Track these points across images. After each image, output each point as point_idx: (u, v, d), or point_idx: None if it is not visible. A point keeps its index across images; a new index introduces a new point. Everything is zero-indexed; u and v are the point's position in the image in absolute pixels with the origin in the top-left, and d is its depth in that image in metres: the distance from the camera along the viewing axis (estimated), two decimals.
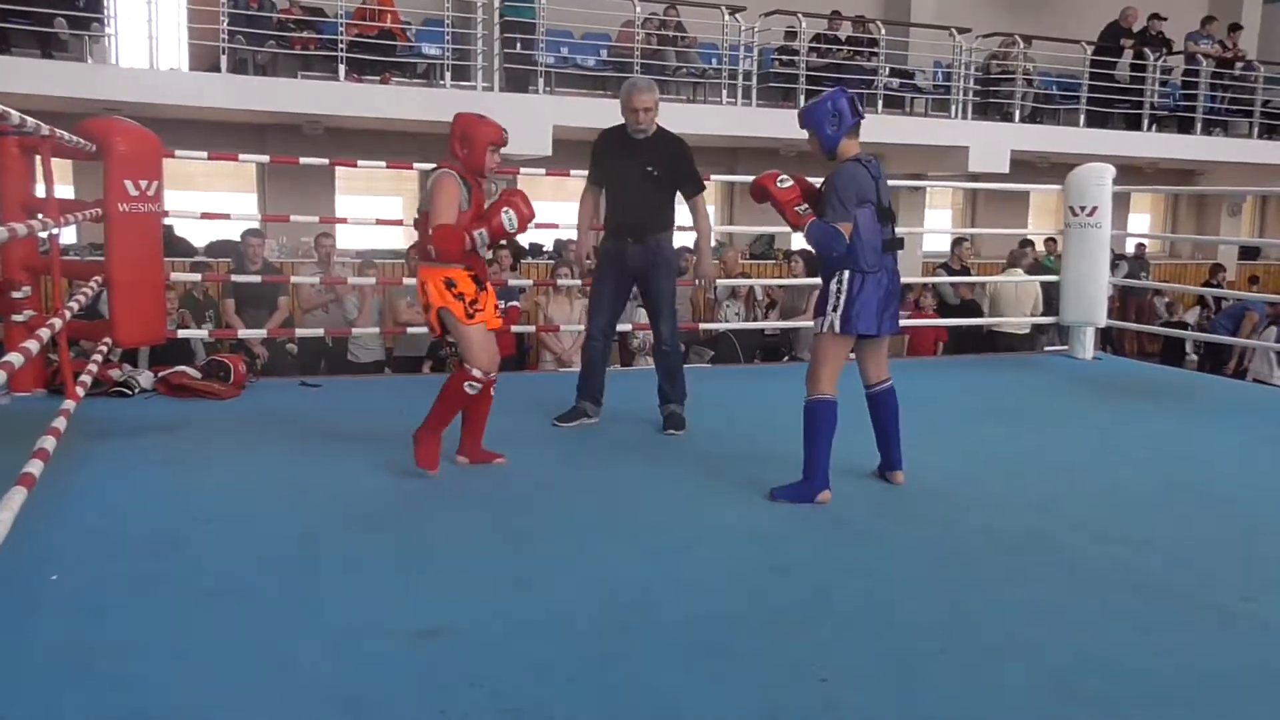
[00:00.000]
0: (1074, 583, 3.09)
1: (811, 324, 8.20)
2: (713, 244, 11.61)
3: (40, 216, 4.19)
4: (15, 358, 2.97)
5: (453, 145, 3.94)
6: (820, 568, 3.16)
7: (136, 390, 5.17)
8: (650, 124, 4.74)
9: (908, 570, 3.15)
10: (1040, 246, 11.25)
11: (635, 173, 4.74)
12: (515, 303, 7.58)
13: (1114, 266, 8.23)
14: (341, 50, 9.59)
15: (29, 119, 3.87)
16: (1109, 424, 5.38)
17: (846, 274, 3.75)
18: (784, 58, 11.55)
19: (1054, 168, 12.16)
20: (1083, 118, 12.69)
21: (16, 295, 4.88)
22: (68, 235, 8.77)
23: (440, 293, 3.85)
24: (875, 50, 11.98)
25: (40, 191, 4.80)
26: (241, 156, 7.08)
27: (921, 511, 3.73)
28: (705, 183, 4.94)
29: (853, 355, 3.96)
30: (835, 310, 3.75)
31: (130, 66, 9.29)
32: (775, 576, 3.07)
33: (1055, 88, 13.28)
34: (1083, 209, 7.05)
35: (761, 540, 3.38)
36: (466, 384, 3.89)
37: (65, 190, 7.77)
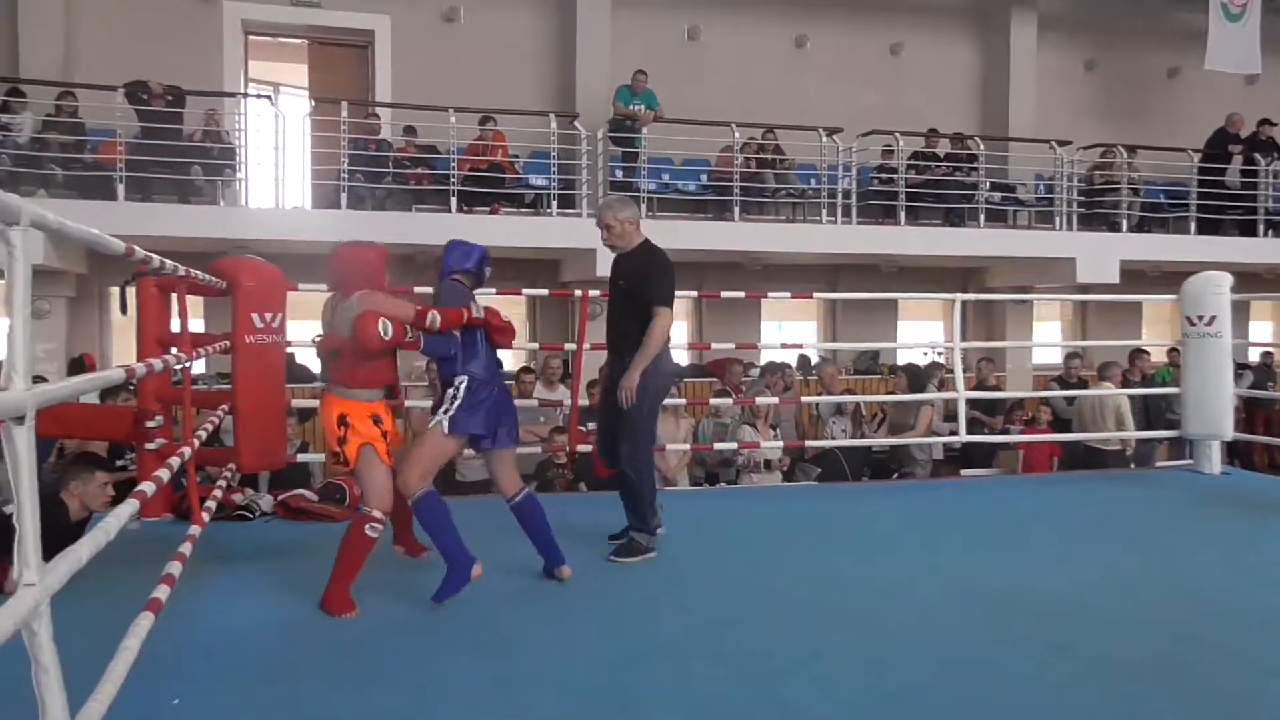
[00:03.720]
0: (1217, 716, 2.89)
1: (917, 441, 8.08)
2: (798, 361, 11.69)
3: (175, 350, 4.45)
4: (148, 486, 3.12)
5: (353, 281, 4.00)
6: (932, 698, 3.04)
7: (257, 514, 5.35)
8: (617, 241, 4.73)
9: (1022, 700, 3.01)
10: (1164, 357, 10.94)
11: (614, 290, 4.79)
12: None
13: (1237, 377, 7.92)
14: (453, 184, 10.05)
15: (168, 262, 4.13)
16: (1241, 542, 5.11)
17: (465, 379, 4.04)
18: (883, 175, 11.66)
19: (1166, 277, 11.89)
20: (1193, 225, 12.42)
21: (150, 425, 5.13)
22: (197, 366, 9.23)
23: (369, 428, 3.90)
24: (974, 165, 12.01)
25: (175, 326, 5.08)
26: None
27: (1035, 637, 3.56)
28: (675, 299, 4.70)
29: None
30: (447, 413, 4.01)
31: (258, 206, 9.90)
32: (883, 704, 2.96)
33: (1162, 196, 13.07)
34: (1200, 318, 6.88)
35: (867, 668, 3.27)
36: (369, 527, 3.83)
37: (196, 323, 8.20)
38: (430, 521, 3.94)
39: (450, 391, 4.06)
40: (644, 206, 10.65)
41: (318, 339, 4.13)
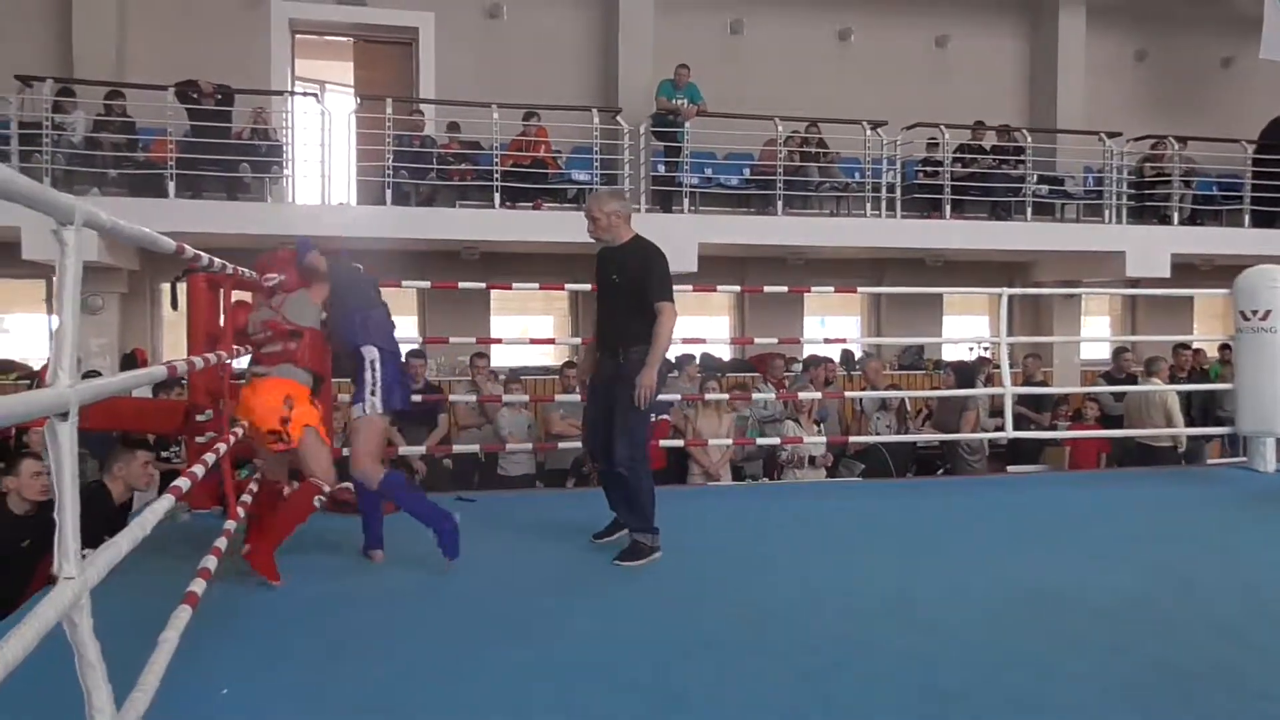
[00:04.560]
0: None
1: (962, 438, 7.97)
2: (826, 354, 11.62)
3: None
4: (183, 482, 3.17)
5: (295, 277, 4.42)
6: (984, 697, 2.99)
7: None
8: (602, 234, 4.64)
9: (1077, 701, 2.95)
10: (1213, 353, 10.73)
11: (604, 283, 4.69)
12: (665, 415, 7.64)
13: None
14: (496, 180, 10.10)
15: (215, 259, 4.19)
16: None
17: (376, 354, 4.27)
18: (928, 169, 11.53)
19: (1219, 270, 11.66)
20: (1247, 218, 12.15)
21: (200, 419, 5.20)
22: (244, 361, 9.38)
23: (310, 410, 4.22)
24: (1021, 158, 11.84)
25: (223, 321, 5.15)
26: (404, 282, 7.46)
27: (1089, 637, 3.50)
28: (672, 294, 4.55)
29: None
30: (374, 395, 4.27)
31: (305, 203, 10.01)
32: (933, 702, 2.92)
33: (1215, 188, 12.80)
34: (1255, 313, 6.73)
35: (916, 665, 3.23)
36: (316, 498, 4.16)
37: None
38: (401, 497, 4.28)
39: (367, 375, 4.31)
40: (686, 201, 10.64)
41: (263, 327, 4.40)
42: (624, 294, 4.57)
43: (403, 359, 4.47)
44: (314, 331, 4.35)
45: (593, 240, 4.72)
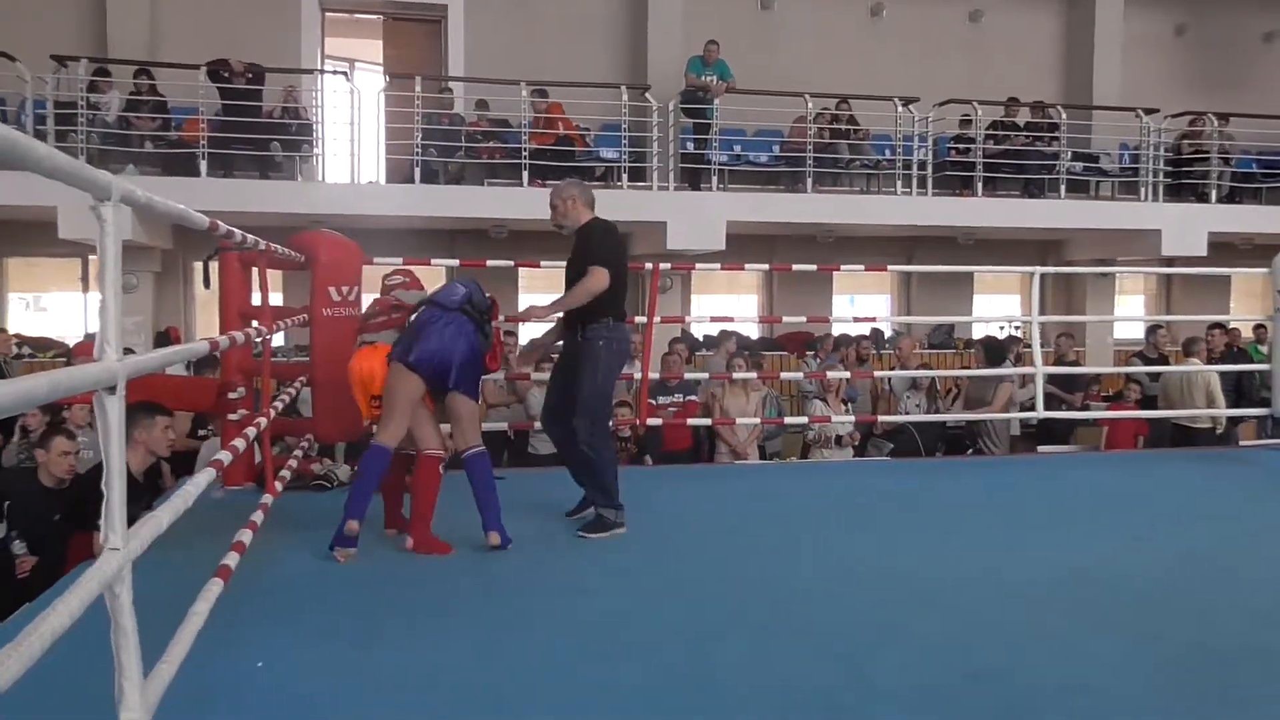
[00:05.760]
0: None
1: (994, 417, 7.92)
2: (862, 333, 11.53)
3: (255, 324, 4.55)
4: (225, 455, 3.20)
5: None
6: (1020, 678, 2.98)
7: (335, 484, 5.45)
8: (562, 219, 4.77)
9: (1114, 685, 2.93)
10: (1249, 333, 10.58)
11: (569, 265, 4.82)
12: (693, 396, 7.64)
13: None
14: (525, 158, 10.09)
15: (249, 236, 4.22)
16: None
17: (417, 301, 4.35)
18: (960, 146, 11.41)
19: (1257, 249, 11.49)
20: None
21: (232, 396, 5.25)
22: (276, 338, 9.45)
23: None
24: (1056, 135, 11.69)
25: (256, 299, 5.19)
26: (433, 260, 7.49)
27: (1124, 621, 3.46)
28: (601, 265, 4.57)
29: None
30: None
31: (334, 182, 10.06)
32: (969, 684, 2.92)
33: (1255, 165, 12.58)
34: None
35: (952, 648, 3.22)
36: (440, 465, 4.38)
37: (276, 297, 8.38)
38: (364, 471, 4.20)
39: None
40: (715, 178, 10.58)
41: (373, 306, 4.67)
42: (577, 271, 4.67)
43: (478, 334, 4.31)
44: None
45: (556, 228, 4.84)
